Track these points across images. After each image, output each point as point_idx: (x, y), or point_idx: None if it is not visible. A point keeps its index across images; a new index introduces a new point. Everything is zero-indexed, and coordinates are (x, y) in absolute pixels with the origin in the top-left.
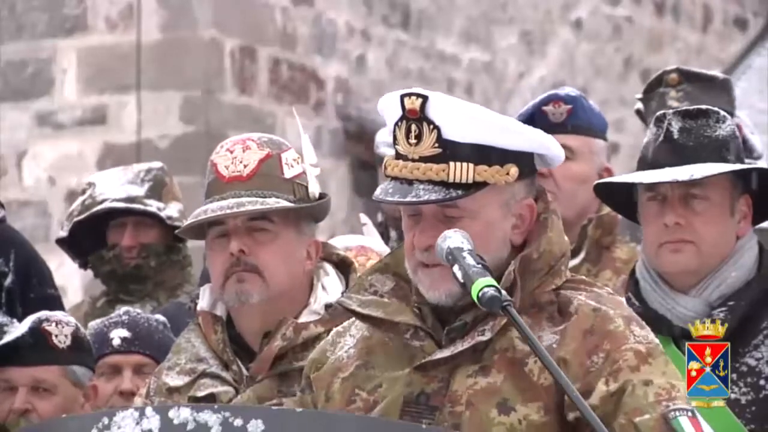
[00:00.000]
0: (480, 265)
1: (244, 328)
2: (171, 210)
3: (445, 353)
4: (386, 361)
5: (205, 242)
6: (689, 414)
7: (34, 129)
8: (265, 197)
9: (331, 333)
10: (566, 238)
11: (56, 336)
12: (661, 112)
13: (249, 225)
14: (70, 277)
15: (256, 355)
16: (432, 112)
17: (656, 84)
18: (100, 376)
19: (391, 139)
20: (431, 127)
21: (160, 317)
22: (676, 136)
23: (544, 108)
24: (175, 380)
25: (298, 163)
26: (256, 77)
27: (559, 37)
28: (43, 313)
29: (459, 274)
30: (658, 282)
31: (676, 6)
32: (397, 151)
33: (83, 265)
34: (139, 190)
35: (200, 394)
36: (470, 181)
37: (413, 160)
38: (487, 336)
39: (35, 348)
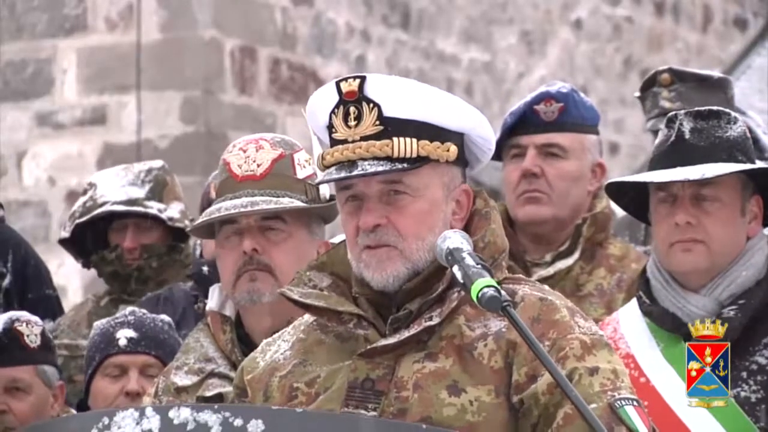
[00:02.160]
0: (479, 266)
1: (254, 328)
2: (172, 211)
3: (392, 340)
4: (324, 357)
5: (216, 241)
6: (634, 403)
7: (34, 129)
8: (279, 197)
9: (261, 344)
10: (506, 237)
11: (27, 336)
12: (673, 113)
13: (262, 224)
14: (70, 277)
15: None
16: (371, 91)
17: (650, 83)
18: (106, 377)
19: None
20: (371, 105)
21: (166, 318)
22: (687, 136)
23: (536, 107)
24: (183, 380)
25: (309, 164)
26: (256, 77)
27: (558, 37)
28: (12, 314)
29: (459, 275)
30: (669, 281)
31: (676, 6)
32: (334, 140)
33: (86, 265)
34: (140, 192)
35: (208, 393)
36: (414, 155)
37: (354, 141)
38: (436, 321)
39: (9, 348)
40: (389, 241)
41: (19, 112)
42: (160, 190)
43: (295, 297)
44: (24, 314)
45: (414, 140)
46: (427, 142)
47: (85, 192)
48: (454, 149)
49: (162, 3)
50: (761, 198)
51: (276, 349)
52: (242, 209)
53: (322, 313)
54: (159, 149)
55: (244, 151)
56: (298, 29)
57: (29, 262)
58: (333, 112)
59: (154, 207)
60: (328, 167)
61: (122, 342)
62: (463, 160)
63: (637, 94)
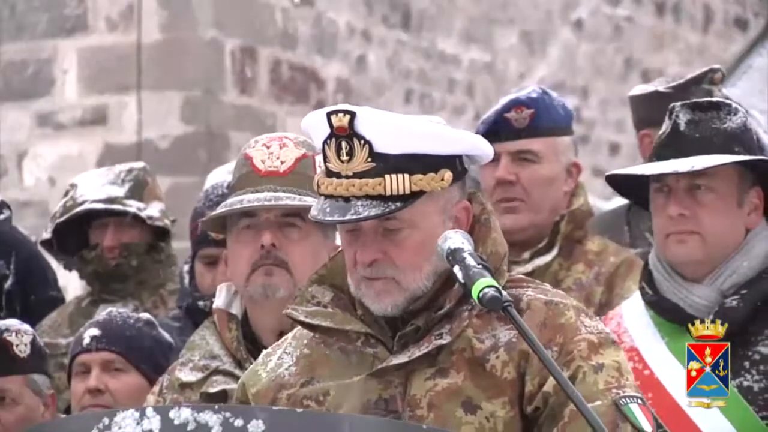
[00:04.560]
0: (480, 266)
1: (260, 326)
2: (152, 210)
3: (402, 358)
4: (331, 372)
5: (230, 234)
6: (639, 401)
7: (35, 129)
8: (301, 195)
9: (260, 356)
10: (504, 240)
11: (17, 346)
12: (672, 104)
13: (281, 220)
14: (70, 277)
15: None
16: (361, 127)
17: (698, 81)
18: (76, 376)
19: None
20: (362, 142)
21: (144, 315)
22: (682, 128)
23: (507, 115)
24: (187, 376)
25: None
26: (256, 77)
27: (559, 37)
28: (1, 323)
29: (459, 275)
30: (671, 272)
31: (677, 6)
32: (328, 169)
33: (67, 266)
34: (119, 191)
35: (212, 390)
36: (407, 191)
37: (347, 177)
38: (447, 339)
39: None
40: (386, 273)
41: (19, 112)
42: (140, 189)
43: (301, 318)
44: (14, 323)
45: (406, 176)
46: (420, 176)
47: (66, 193)
48: (449, 176)
49: (162, 3)
50: (762, 189)
51: (278, 362)
52: (266, 203)
53: (329, 333)
54: (159, 149)
55: (268, 147)
56: (299, 29)
57: (33, 263)
58: (326, 142)
59: (133, 206)
60: (322, 195)
61: (86, 341)
62: (461, 175)
63: (665, 88)
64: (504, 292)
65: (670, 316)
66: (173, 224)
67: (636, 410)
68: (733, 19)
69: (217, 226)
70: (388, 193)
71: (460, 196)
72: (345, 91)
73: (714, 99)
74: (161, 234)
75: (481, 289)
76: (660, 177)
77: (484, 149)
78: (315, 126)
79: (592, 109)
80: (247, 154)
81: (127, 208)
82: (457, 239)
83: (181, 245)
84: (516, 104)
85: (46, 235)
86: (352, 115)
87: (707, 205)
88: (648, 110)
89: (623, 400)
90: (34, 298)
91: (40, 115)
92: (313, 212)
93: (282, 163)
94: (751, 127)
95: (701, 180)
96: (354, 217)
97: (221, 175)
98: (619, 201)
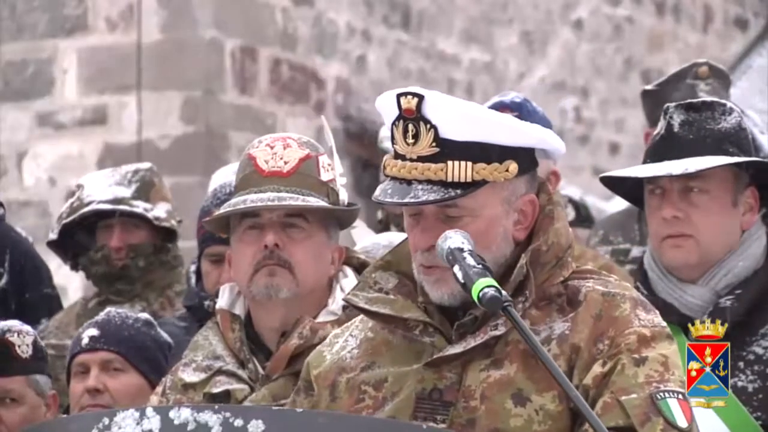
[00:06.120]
0: (480, 266)
1: (263, 326)
2: (159, 210)
3: (458, 349)
4: (392, 358)
5: (233, 234)
6: (679, 396)
7: (35, 129)
8: (304, 195)
9: (329, 336)
10: (570, 230)
11: (19, 346)
12: (666, 104)
13: (284, 221)
14: (70, 277)
15: (273, 355)
16: (429, 111)
17: (682, 76)
18: (74, 376)
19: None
20: (428, 126)
21: (143, 315)
22: (676, 129)
23: None
24: (191, 376)
25: (331, 168)
26: (256, 77)
27: (559, 37)
28: (4, 324)
29: (459, 275)
30: (665, 273)
31: (677, 6)
32: (395, 151)
33: (74, 267)
34: (126, 191)
35: (215, 390)
36: (469, 179)
37: (411, 160)
38: (501, 330)
39: (0, 359)
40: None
41: (19, 112)
42: (146, 190)
43: (361, 305)
44: (16, 324)
45: (469, 164)
46: (483, 165)
47: (73, 194)
48: (514, 167)
49: (162, 3)
50: (757, 189)
51: (343, 344)
52: (269, 203)
53: (388, 320)
54: (159, 149)
55: (272, 148)
56: (299, 29)
57: (27, 261)
58: (394, 124)
59: (140, 206)
60: (387, 176)
61: (84, 341)
62: (529, 168)
63: (652, 87)
64: (504, 292)
65: (665, 316)
66: (179, 225)
67: (673, 405)
68: (733, 19)
69: (220, 226)
70: (450, 179)
71: (527, 189)
72: (345, 91)
73: (708, 99)
74: (168, 235)
75: (481, 289)
76: (654, 179)
77: (554, 144)
78: (386, 107)
79: (592, 109)
80: (250, 155)
81: (134, 209)
82: (457, 239)
83: (184, 245)
84: (500, 107)
85: (53, 235)
86: (420, 98)
87: (701, 206)
88: (644, 109)
89: (660, 394)
90: (28, 295)
91: (40, 115)
92: (376, 193)
93: (285, 163)
94: (746, 126)
95: (695, 182)
96: (412, 200)
97: (227, 174)
98: (620, 200)
